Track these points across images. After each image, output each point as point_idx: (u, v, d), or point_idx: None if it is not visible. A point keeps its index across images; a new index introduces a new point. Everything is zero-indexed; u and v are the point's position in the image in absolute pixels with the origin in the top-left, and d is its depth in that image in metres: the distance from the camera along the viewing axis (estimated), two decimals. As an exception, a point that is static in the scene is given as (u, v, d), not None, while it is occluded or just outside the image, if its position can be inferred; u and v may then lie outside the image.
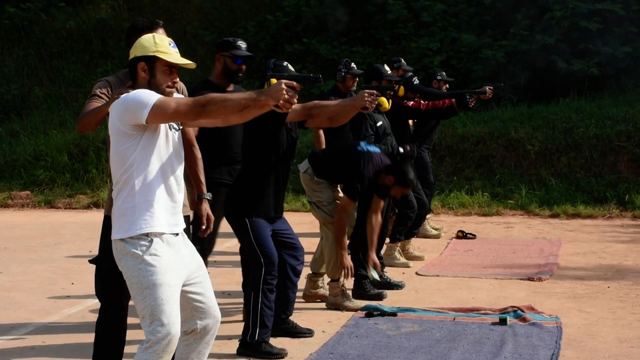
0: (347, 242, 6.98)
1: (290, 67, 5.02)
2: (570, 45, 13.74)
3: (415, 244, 8.67)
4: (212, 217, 4.58)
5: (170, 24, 17.99)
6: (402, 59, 9.32)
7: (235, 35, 16.42)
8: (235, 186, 5.13)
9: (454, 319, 5.83)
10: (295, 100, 3.58)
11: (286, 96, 3.50)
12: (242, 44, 5.50)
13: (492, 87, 9.50)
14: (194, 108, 3.41)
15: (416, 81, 7.99)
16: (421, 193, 8.11)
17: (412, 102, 7.51)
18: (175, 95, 3.68)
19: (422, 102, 7.54)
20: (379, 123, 6.69)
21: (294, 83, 3.58)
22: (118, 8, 18.18)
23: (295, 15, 16.36)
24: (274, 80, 4.49)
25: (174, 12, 17.78)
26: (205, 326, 3.63)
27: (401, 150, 6.68)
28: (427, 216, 9.62)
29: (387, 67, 7.09)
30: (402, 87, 7.62)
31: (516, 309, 5.98)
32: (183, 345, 3.61)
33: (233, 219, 5.07)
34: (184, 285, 3.54)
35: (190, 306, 3.59)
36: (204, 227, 4.52)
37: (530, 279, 7.24)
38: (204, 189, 4.60)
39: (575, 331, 5.52)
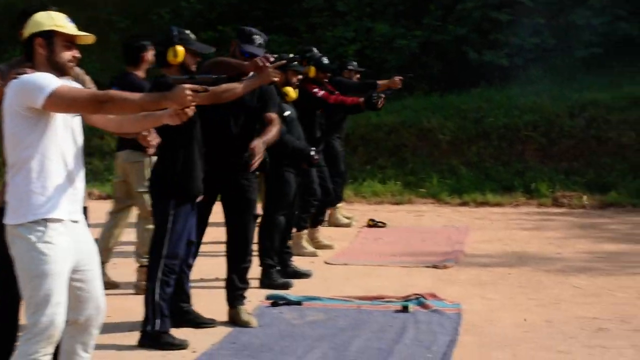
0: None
1: (192, 35, 5.01)
2: (482, 36, 14.02)
3: (326, 233, 8.73)
4: None
5: (83, 9, 17.56)
6: (315, 49, 9.33)
7: (149, 22, 16.22)
8: (161, 165, 4.99)
9: (359, 307, 5.90)
10: (192, 112, 3.52)
11: (190, 100, 3.42)
12: (258, 38, 5.39)
13: (402, 78, 9.66)
14: (91, 103, 3.36)
15: (326, 60, 7.98)
16: (327, 181, 8.13)
17: (322, 92, 7.51)
18: (74, 84, 3.61)
19: (331, 95, 7.55)
20: (287, 112, 6.69)
21: (198, 86, 3.49)
22: (28, -8, 17.71)
23: (210, 3, 16.24)
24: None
25: (87, -3, 17.39)
26: (89, 317, 3.55)
27: (312, 153, 6.70)
28: (339, 205, 9.70)
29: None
30: (312, 68, 7.64)
31: (419, 296, 6.08)
32: (67, 337, 3.53)
33: (156, 198, 4.96)
34: (71, 274, 3.47)
35: (74, 295, 3.50)
36: None
37: (435, 266, 7.38)
38: None
39: (475, 317, 5.65)
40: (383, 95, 7.53)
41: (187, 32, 5.03)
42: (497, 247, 8.37)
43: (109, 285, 6.26)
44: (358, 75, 9.80)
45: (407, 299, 6.06)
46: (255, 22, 16.02)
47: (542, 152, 12.43)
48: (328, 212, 9.72)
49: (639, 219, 10.16)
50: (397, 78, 9.58)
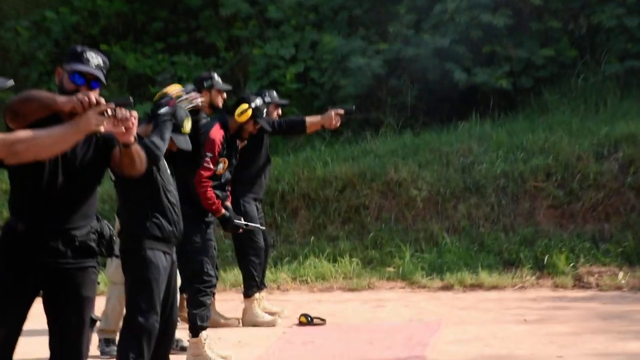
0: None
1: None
2: (471, 49, 14.15)
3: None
4: None
5: None
6: (216, 75, 9.40)
7: (2, 40, 16.32)
8: None
9: None
10: None
11: None
12: (94, 57, 5.44)
13: (340, 112, 9.72)
14: None
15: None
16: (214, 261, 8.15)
17: (206, 167, 8.03)
18: None
19: (205, 180, 8.08)
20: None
21: None
22: None
23: (89, 12, 16.38)
24: None
25: None
26: None
27: None
28: (257, 295, 9.65)
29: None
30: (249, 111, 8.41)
31: None
32: None
33: None
34: None
35: None
36: None
37: (379, 380, 7.39)
38: None
39: None
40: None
41: None
42: (474, 349, 8.33)
43: None
44: (279, 111, 9.89)
45: None
46: (156, 38, 16.23)
47: (558, 211, 12.50)
48: (242, 305, 9.72)
49: (692, 303, 10.23)
50: (333, 112, 9.63)
